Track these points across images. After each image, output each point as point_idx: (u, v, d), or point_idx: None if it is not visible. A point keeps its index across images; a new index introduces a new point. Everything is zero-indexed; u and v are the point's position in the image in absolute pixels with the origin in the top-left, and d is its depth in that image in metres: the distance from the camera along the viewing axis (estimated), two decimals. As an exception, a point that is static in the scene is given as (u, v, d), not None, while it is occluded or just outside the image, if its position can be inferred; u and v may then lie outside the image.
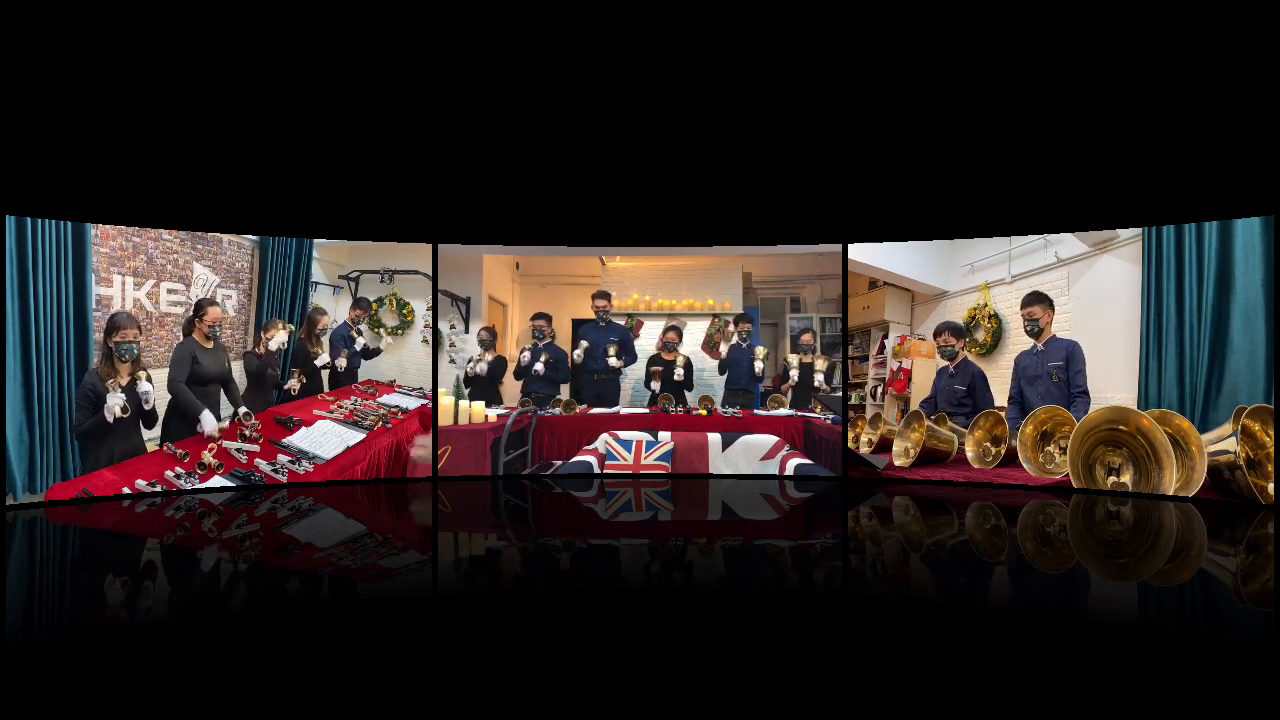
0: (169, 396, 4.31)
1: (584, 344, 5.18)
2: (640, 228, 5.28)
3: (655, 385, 5.12)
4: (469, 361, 5.07)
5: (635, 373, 5.36)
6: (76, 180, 4.28)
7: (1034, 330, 4.76)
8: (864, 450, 4.98)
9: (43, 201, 4.11)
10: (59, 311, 4.03)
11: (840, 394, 4.99)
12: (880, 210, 4.98)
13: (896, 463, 4.90)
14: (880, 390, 4.98)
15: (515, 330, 5.39)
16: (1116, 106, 4.58)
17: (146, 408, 4.08)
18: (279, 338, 4.73)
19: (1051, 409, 4.57)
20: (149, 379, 4.07)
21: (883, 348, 5.01)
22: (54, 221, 4.00)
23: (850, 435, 4.97)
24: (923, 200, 4.89)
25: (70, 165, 4.30)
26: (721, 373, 5.15)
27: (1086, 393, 4.50)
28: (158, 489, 4.19)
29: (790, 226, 5.13)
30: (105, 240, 4.22)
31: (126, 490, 4.13)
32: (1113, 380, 4.37)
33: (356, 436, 4.71)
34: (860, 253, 5.06)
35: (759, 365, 5.16)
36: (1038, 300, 4.77)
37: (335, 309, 5.40)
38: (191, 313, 4.39)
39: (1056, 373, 4.57)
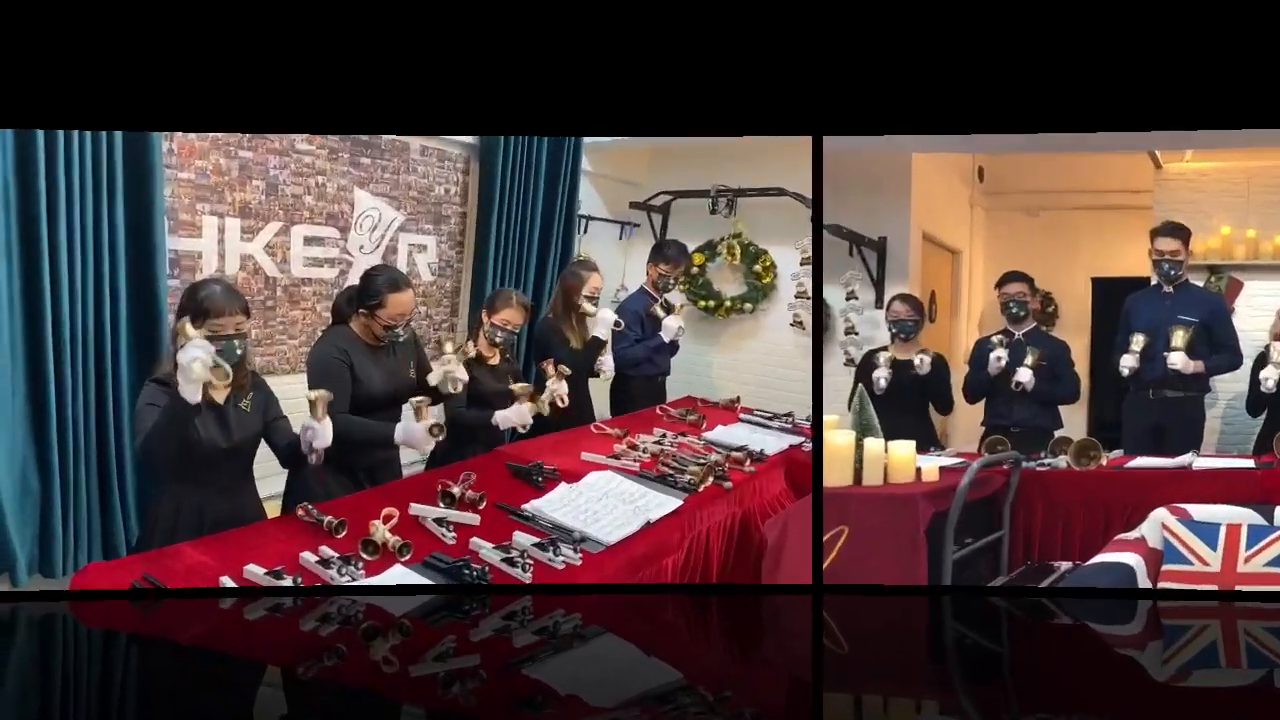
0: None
1: (1140, 338, 3.40)
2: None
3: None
4: (868, 360, 3.59)
5: (1234, 385, 3.43)
6: (129, 60, 3.08)
7: None
8: None
9: (71, 100, 3.00)
10: (99, 281, 2.89)
11: None
12: None
13: None
14: None
15: (974, 301, 3.91)
16: None
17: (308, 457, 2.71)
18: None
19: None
20: (247, 398, 2.76)
21: None
22: (92, 134, 2.86)
23: None
24: None
25: (119, 35, 3.07)
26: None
27: None
28: (285, 582, 2.59)
29: None
30: (187, 158, 3.12)
31: (228, 582, 2.59)
32: None
33: (664, 503, 2.92)
34: None
35: None
36: None
37: (625, 264, 4.34)
38: (356, 294, 2.99)
39: None
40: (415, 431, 2.81)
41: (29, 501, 2.89)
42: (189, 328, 2.39)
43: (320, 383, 2.81)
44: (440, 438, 2.84)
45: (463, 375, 2.93)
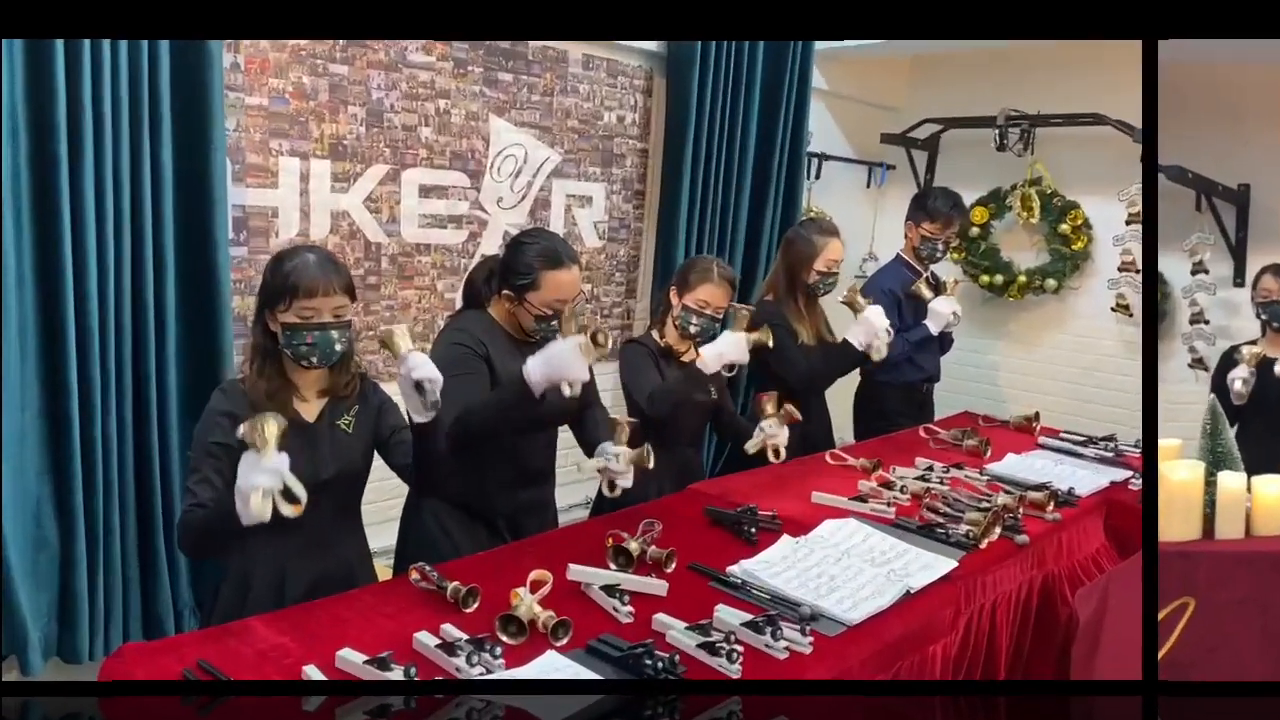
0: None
1: None
2: None
3: None
4: (1226, 359, 3.31)
5: None
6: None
7: None
8: None
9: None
10: (139, 249, 2.55)
11: None
12: None
13: None
14: None
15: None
16: None
17: (425, 414, 2.07)
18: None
19: None
20: (349, 413, 2.25)
21: None
22: (128, 45, 2.49)
23: None
24: None
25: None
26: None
27: None
28: (394, 674, 1.97)
29: None
30: (258, 77, 2.90)
31: (314, 673, 2.01)
32: None
33: (931, 565, 2.38)
34: None
35: None
36: None
37: (875, 223, 4.46)
38: (499, 270, 2.48)
39: None
40: (562, 354, 2.21)
41: (44, 559, 2.60)
42: (266, 429, 1.88)
43: (455, 385, 2.33)
44: (602, 352, 2.22)
45: (628, 482, 2.38)
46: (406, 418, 2.18)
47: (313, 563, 2.19)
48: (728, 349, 2.64)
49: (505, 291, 2.39)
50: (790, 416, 2.69)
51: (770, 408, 2.70)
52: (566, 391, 2.25)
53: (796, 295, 3.11)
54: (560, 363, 2.20)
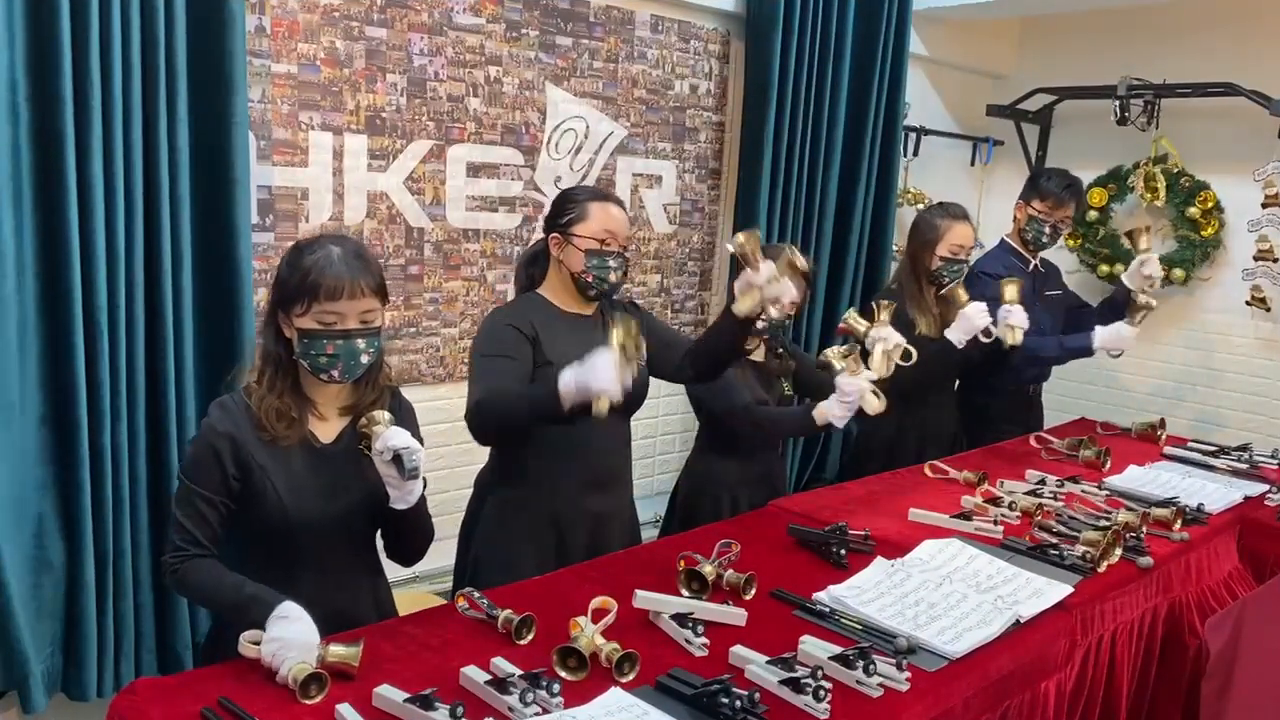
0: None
1: None
2: None
3: None
4: None
5: None
6: None
7: None
8: None
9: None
10: (154, 235, 2.39)
11: None
12: None
13: None
14: None
15: None
16: None
17: (403, 488, 1.85)
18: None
19: None
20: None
21: None
22: (141, 2, 2.39)
23: None
24: None
25: None
26: None
27: None
28: (438, 715, 1.80)
29: None
30: (286, 40, 2.74)
31: (347, 712, 1.82)
32: None
33: (1043, 591, 2.23)
34: None
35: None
36: None
37: (980, 203, 4.30)
38: (546, 219, 2.43)
39: None
40: (594, 364, 2.06)
41: (48, 583, 2.49)
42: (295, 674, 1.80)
43: (488, 358, 2.27)
44: (637, 362, 2.01)
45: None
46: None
47: (328, 606, 1.83)
48: (854, 394, 2.36)
49: (553, 235, 2.36)
50: (792, 264, 2.11)
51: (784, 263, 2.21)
52: (596, 409, 2.05)
53: (920, 282, 3.05)
54: (590, 373, 1.99)
